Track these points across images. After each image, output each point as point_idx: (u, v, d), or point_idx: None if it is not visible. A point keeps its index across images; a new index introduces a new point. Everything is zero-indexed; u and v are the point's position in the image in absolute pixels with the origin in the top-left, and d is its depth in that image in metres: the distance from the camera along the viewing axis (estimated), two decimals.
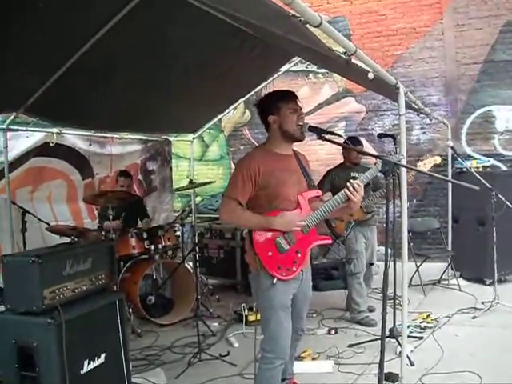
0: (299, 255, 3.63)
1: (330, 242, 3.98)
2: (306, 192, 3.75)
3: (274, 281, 3.54)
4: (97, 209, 7.67)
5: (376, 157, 3.75)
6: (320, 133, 3.68)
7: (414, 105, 5.97)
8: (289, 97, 3.74)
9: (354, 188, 3.52)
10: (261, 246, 3.57)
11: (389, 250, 3.77)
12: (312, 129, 3.69)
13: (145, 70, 5.20)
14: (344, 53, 3.35)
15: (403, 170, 4.50)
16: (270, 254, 3.56)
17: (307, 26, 2.76)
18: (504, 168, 9.67)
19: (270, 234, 3.58)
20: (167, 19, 4.33)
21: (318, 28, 2.73)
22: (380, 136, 6.38)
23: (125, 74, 5.19)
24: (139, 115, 6.39)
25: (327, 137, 3.70)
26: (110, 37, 4.35)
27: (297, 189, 3.70)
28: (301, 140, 3.74)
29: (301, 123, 3.67)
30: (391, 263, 4.31)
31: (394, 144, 5.65)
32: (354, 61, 3.57)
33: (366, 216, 6.42)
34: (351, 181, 3.57)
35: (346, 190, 3.55)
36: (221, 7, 2.63)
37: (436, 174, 3.95)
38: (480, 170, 8.12)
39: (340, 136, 3.94)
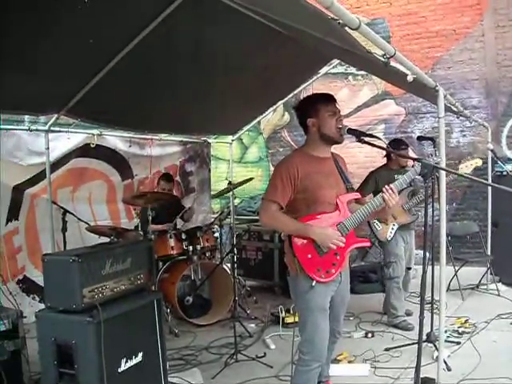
0: (338, 257, 3.62)
1: (368, 244, 3.95)
2: (345, 195, 3.74)
3: (314, 283, 3.55)
4: (135, 209, 7.74)
5: (415, 159, 3.74)
6: (359, 135, 3.67)
7: (453, 107, 5.92)
8: (328, 99, 3.73)
9: (390, 193, 3.56)
10: (300, 249, 3.57)
11: (427, 254, 3.76)
12: (351, 131, 3.67)
13: (184, 71, 5.27)
14: (383, 55, 3.34)
15: (442, 173, 4.47)
16: (309, 256, 3.56)
17: (346, 28, 2.76)
18: None
19: (309, 238, 3.57)
20: (207, 21, 4.37)
21: (356, 31, 2.74)
22: (419, 139, 6.32)
23: (164, 76, 5.27)
24: (179, 117, 6.47)
25: (367, 139, 3.69)
26: (149, 40, 4.43)
27: (335, 191, 3.69)
28: (339, 142, 3.73)
29: (340, 126, 3.65)
30: (429, 267, 4.30)
31: (434, 147, 5.61)
32: (392, 63, 3.56)
33: (411, 219, 6.36)
34: (388, 185, 3.60)
35: (383, 194, 3.58)
36: (261, 10, 2.65)
37: (475, 178, 3.91)
38: None
39: (379, 139, 3.91)
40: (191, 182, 9.32)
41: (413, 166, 3.66)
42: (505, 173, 7.86)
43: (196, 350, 5.79)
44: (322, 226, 3.57)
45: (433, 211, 5.01)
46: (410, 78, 3.81)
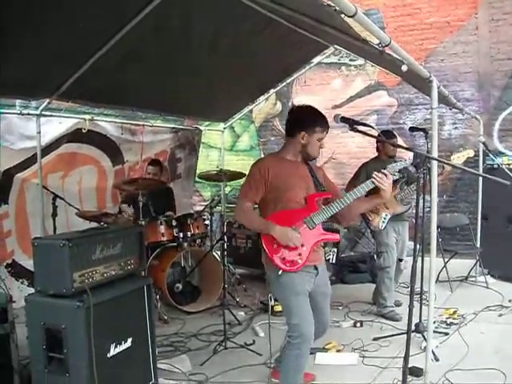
0: (304, 249, 3.76)
1: (337, 239, 4.26)
2: (315, 193, 3.92)
3: (280, 272, 3.73)
4: (120, 193, 7.73)
5: (408, 149, 3.76)
6: (352, 124, 3.70)
7: (446, 99, 5.91)
8: (326, 127, 3.91)
9: (380, 176, 3.70)
10: (267, 238, 3.77)
11: (417, 245, 3.77)
12: (344, 120, 3.71)
13: (177, 55, 5.29)
14: (378, 44, 3.34)
15: (434, 165, 4.47)
16: (275, 245, 3.74)
17: (342, 16, 2.76)
18: None
19: None
20: (201, 6, 4.36)
21: (352, 18, 2.73)
22: (411, 130, 6.31)
23: (156, 61, 5.27)
24: (170, 98, 6.45)
25: (360, 128, 3.71)
26: (144, 23, 4.42)
27: (305, 192, 3.88)
28: (311, 161, 4.07)
29: (319, 152, 3.99)
30: (419, 258, 4.32)
31: (426, 138, 5.64)
32: (388, 52, 3.56)
33: (403, 209, 6.37)
34: (376, 173, 3.74)
35: (372, 179, 3.72)
36: None
37: (467, 168, 3.92)
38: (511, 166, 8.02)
39: (372, 128, 3.95)
40: (178, 168, 9.34)
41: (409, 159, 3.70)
42: (496, 165, 7.87)
43: (185, 337, 5.82)
44: (285, 221, 3.75)
45: (423, 203, 5.01)
46: (404, 67, 3.80)
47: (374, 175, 3.72)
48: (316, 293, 3.93)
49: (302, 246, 3.74)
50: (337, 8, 2.61)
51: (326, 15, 2.94)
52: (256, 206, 3.96)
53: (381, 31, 3.24)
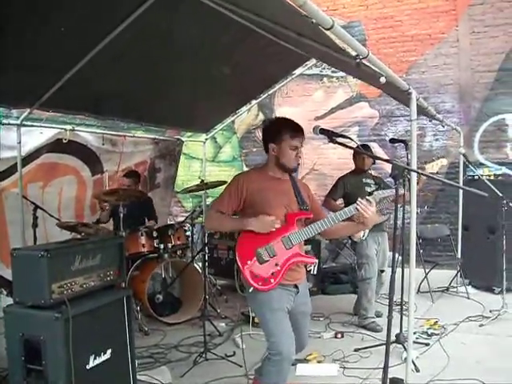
0: (278, 268, 3.67)
1: (312, 261, 4.16)
2: (296, 212, 3.82)
3: (251, 290, 3.66)
4: (99, 203, 7.69)
5: (386, 161, 3.77)
6: (331, 136, 3.70)
7: (426, 110, 5.95)
8: (295, 132, 3.79)
9: (364, 204, 3.61)
10: (242, 254, 3.68)
11: (398, 256, 3.78)
12: (323, 131, 3.70)
13: (159, 65, 5.30)
14: (356, 56, 3.35)
15: (413, 176, 4.50)
16: (248, 262, 3.65)
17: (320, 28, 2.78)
18: None
19: (252, 245, 3.67)
20: (183, 16, 4.37)
21: (329, 31, 2.74)
22: (392, 141, 6.33)
23: (140, 70, 5.28)
24: (152, 108, 6.44)
25: (339, 140, 3.71)
26: (125, 33, 4.41)
27: (286, 210, 3.78)
28: (293, 172, 3.94)
29: (298, 162, 3.83)
30: (399, 269, 4.33)
31: (406, 149, 5.64)
32: (366, 63, 3.58)
33: (382, 219, 6.39)
34: (360, 200, 3.64)
35: (357, 206, 3.64)
36: (235, 8, 2.65)
37: (446, 180, 3.94)
38: (492, 178, 8.06)
39: (351, 140, 3.95)
40: (158, 177, 9.30)
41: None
42: (476, 177, 7.92)
43: (165, 349, 5.77)
44: (263, 237, 3.67)
45: (403, 213, 5.03)
46: (382, 79, 3.83)
47: (358, 201, 3.63)
48: (296, 312, 3.85)
49: (277, 265, 3.66)
50: (314, 21, 2.62)
51: (305, 27, 2.95)
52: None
53: (358, 44, 3.26)
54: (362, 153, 6.08)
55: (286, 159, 3.79)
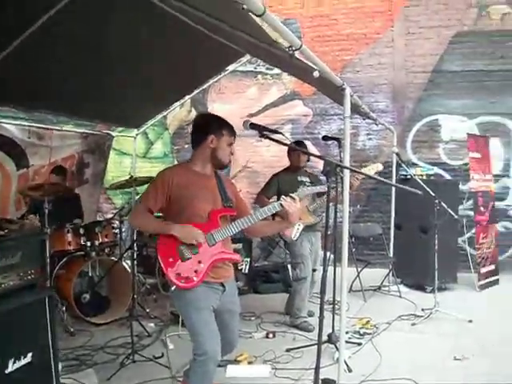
0: (202, 266, 3.59)
1: (238, 259, 3.96)
2: (220, 209, 3.75)
3: (173, 288, 3.58)
4: (25, 198, 7.45)
5: (318, 157, 3.71)
6: (262, 130, 3.61)
7: (360, 108, 5.93)
8: (232, 131, 3.82)
9: (289, 201, 3.59)
10: (163, 251, 3.60)
11: (329, 255, 3.72)
12: (253, 126, 3.61)
13: (89, 57, 5.05)
14: (288, 47, 3.25)
15: (346, 175, 4.45)
16: (170, 259, 3.57)
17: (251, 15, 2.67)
18: (448, 177, 9.80)
19: (174, 242, 3.58)
20: (113, 7, 4.19)
21: (260, 18, 2.63)
22: (325, 139, 6.29)
23: (70, 62, 5.03)
24: (82, 102, 6.20)
25: (270, 136, 3.63)
26: (55, 21, 4.20)
27: (211, 206, 3.71)
28: (225, 168, 3.97)
29: (230, 160, 3.86)
30: (331, 268, 4.27)
31: (339, 147, 5.63)
32: (298, 57, 3.49)
33: (315, 220, 6.35)
34: (284, 197, 3.63)
35: (281, 202, 3.61)
36: None
37: (380, 178, 3.90)
38: (424, 178, 8.18)
39: (282, 135, 3.87)
40: (86, 173, 9.06)
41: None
42: (409, 176, 7.96)
43: (92, 350, 5.57)
44: None
45: (335, 212, 4.97)
46: (316, 73, 3.76)
47: (282, 198, 3.61)
48: (222, 311, 3.76)
49: (200, 262, 3.58)
50: (244, 6, 2.50)
51: (238, 17, 2.83)
52: (161, 214, 3.84)
53: (292, 34, 3.16)
54: (295, 149, 6.03)
55: (223, 154, 3.76)
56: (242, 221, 3.66)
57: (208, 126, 3.78)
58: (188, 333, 3.71)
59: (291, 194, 3.61)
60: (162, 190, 3.63)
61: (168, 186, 3.63)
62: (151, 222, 3.70)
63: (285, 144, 4.18)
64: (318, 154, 9.78)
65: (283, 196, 3.62)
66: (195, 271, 3.55)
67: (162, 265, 3.56)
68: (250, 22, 2.91)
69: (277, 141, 3.71)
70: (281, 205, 3.59)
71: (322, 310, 3.55)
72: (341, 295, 4.50)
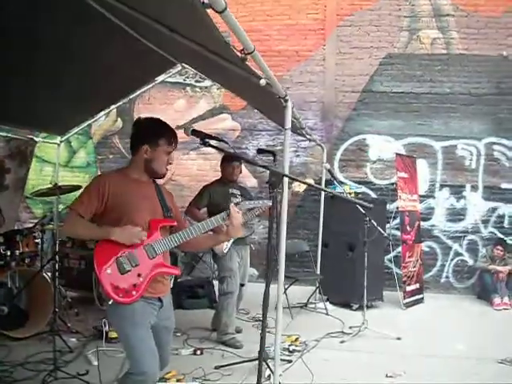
0: (141, 279, 3.37)
1: (178, 273, 3.93)
2: (160, 219, 3.57)
3: (110, 302, 3.31)
4: None
5: (263, 167, 3.63)
6: (204, 137, 3.49)
7: (297, 123, 5.89)
8: (171, 139, 3.61)
9: (237, 211, 3.53)
10: (101, 262, 3.34)
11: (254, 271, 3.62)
12: (195, 133, 3.49)
13: (13, 57, 4.83)
14: (241, 50, 3.15)
15: (285, 187, 4.37)
16: (108, 271, 3.32)
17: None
18: (374, 196, 9.92)
19: (113, 252, 3.36)
20: (46, 9, 4.00)
21: (221, 14, 2.52)
22: (259, 152, 6.23)
23: None
24: (4, 101, 5.89)
25: (211, 142, 3.53)
26: None
27: (149, 216, 3.52)
28: (161, 178, 3.70)
29: (168, 167, 3.64)
30: (259, 284, 4.18)
31: (274, 161, 5.56)
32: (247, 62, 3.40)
33: (246, 232, 6.22)
34: (233, 207, 3.55)
35: (231, 211, 3.51)
36: None
37: (328, 190, 3.84)
38: (352, 196, 8.21)
39: (226, 142, 3.77)
40: (7, 178, 8.66)
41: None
42: (338, 193, 7.98)
43: (10, 366, 5.24)
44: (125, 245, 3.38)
45: (270, 227, 4.88)
46: (262, 81, 3.69)
47: (232, 207, 3.50)
48: (159, 327, 3.56)
49: (139, 275, 3.36)
50: (205, 1, 2.37)
51: (185, 19, 2.70)
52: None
53: (246, 37, 3.05)
54: (240, 157, 5.96)
55: (158, 165, 3.55)
56: (186, 232, 3.49)
57: (143, 135, 3.58)
58: (115, 349, 3.51)
59: (237, 207, 3.51)
60: (96, 197, 3.39)
61: (103, 193, 3.40)
62: (87, 228, 3.43)
63: (225, 151, 4.10)
64: (244, 169, 9.72)
65: (232, 205, 3.52)
66: (134, 285, 3.33)
67: (99, 276, 3.29)
68: (199, 23, 2.79)
69: (219, 149, 3.61)
70: (228, 215, 3.47)
71: (264, 326, 3.45)
72: (276, 312, 4.40)
